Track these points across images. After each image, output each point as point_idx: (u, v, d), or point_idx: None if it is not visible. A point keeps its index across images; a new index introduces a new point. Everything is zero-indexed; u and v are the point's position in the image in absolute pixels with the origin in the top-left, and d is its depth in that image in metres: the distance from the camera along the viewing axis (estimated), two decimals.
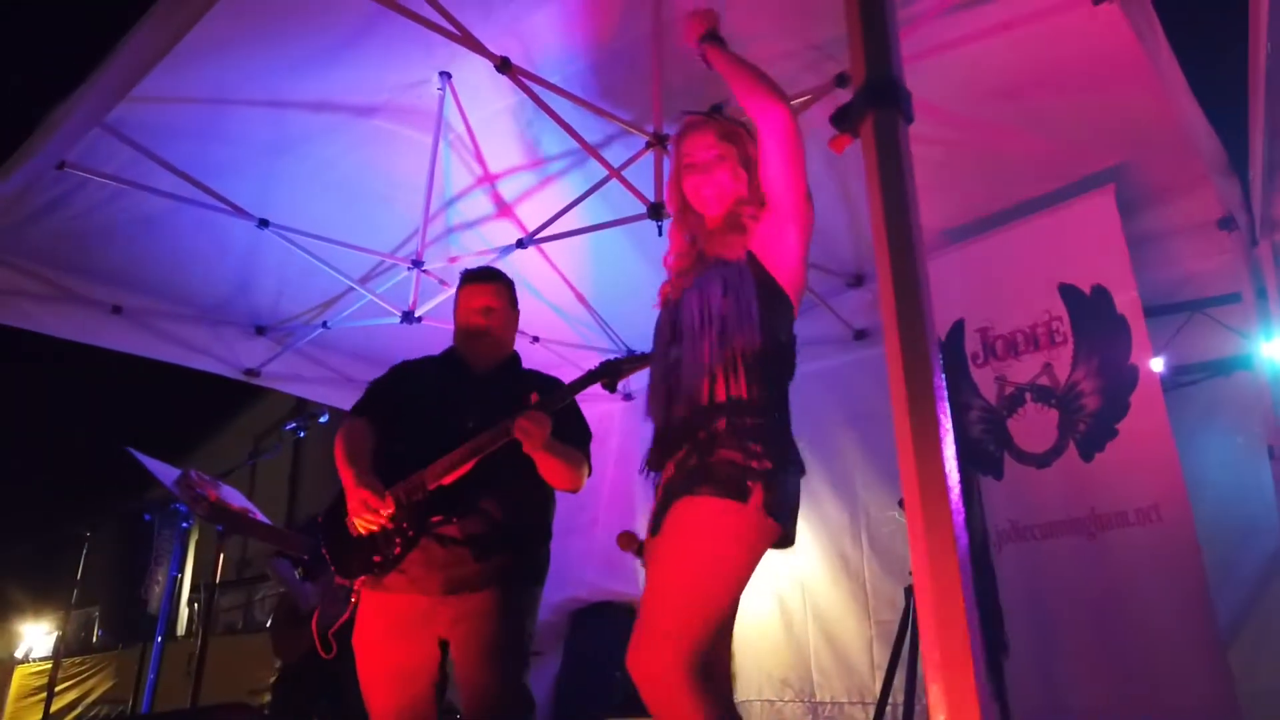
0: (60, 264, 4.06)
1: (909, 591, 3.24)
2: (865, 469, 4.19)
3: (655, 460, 1.90)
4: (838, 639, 4.27)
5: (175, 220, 3.81)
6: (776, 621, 4.52)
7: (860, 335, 4.31)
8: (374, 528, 2.35)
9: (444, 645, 2.45)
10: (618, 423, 5.30)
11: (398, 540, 2.35)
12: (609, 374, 2.33)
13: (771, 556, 4.86)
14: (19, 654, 7.82)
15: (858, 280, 4.28)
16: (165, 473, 2.70)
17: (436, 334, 3.52)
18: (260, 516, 2.98)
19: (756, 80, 1.92)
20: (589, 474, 2.63)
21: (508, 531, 2.50)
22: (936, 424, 0.84)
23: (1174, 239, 3.29)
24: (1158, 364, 2.93)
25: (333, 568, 2.40)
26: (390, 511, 2.32)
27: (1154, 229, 3.27)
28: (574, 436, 2.59)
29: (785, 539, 1.83)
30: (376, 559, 2.36)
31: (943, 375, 0.90)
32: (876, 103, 0.82)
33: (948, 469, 0.83)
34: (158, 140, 3.37)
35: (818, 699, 4.29)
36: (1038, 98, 2.97)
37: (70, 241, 3.87)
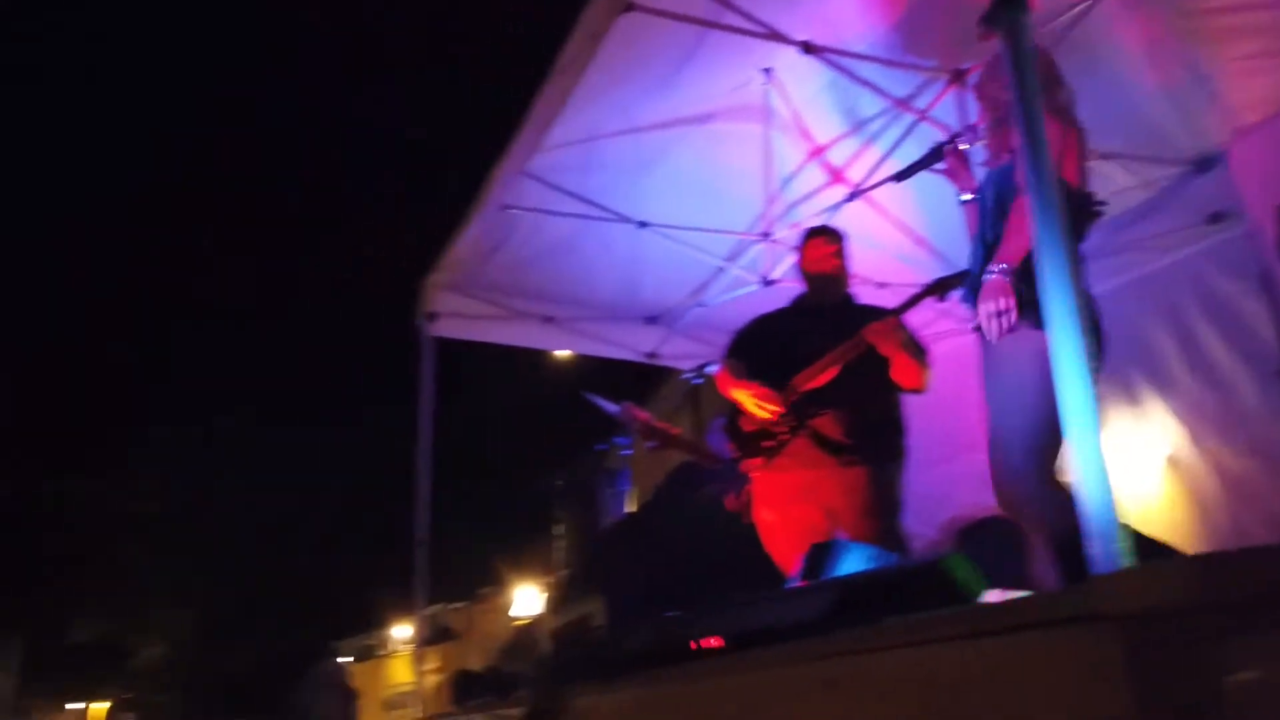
0: (504, 289, 5.33)
1: None
2: (1230, 352, 4.09)
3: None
4: None
5: (577, 240, 4.87)
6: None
7: (1216, 219, 4.20)
8: (771, 417, 3.08)
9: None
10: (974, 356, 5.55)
11: (783, 431, 3.07)
12: (939, 289, 2.84)
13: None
14: (512, 613, 9.78)
15: (1202, 164, 4.18)
16: (610, 407, 3.67)
17: (791, 293, 4.15)
18: (679, 433, 3.85)
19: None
20: (928, 381, 3.16)
21: (868, 421, 3.10)
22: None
23: None
24: None
25: (738, 454, 3.19)
26: (782, 398, 3.06)
27: None
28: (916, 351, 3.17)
29: None
30: (767, 445, 3.09)
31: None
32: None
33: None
34: (555, 177, 4.40)
35: None
36: None
37: (510, 271, 5.10)
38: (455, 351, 5.42)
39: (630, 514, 2.66)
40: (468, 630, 10.44)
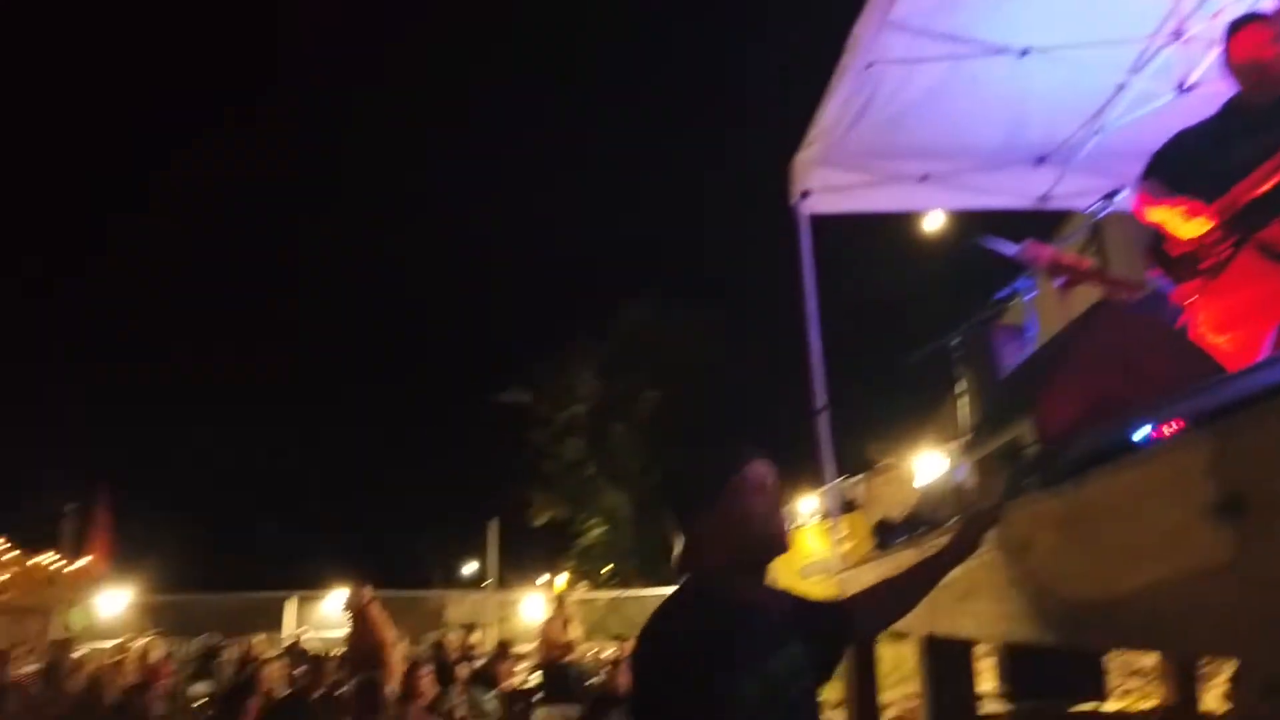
0: (875, 153, 5.21)
1: None
2: None
3: None
4: None
5: (950, 84, 4.58)
6: None
7: None
8: (1205, 233, 2.76)
9: None
10: None
11: (1223, 248, 2.72)
12: None
13: None
14: (915, 481, 9.77)
15: None
16: (1010, 248, 3.47)
17: (1210, 101, 3.58)
18: (1091, 264, 3.53)
19: None
20: None
21: None
22: None
23: None
24: None
25: (1170, 279, 2.89)
26: (1214, 217, 2.72)
27: None
28: None
29: None
30: (1204, 266, 2.76)
31: None
32: None
33: None
34: (920, 21, 4.14)
35: None
36: None
37: (880, 132, 4.96)
38: (833, 223, 5.47)
39: (1055, 338, 2.50)
40: (869, 502, 10.66)
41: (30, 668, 7.84)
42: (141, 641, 9.51)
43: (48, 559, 21.92)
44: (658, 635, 1.64)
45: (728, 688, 1.48)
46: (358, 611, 6.78)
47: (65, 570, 20.80)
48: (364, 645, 6.64)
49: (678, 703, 1.50)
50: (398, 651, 6.77)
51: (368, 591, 6.85)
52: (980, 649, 3.62)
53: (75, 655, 8.80)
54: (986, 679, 4.26)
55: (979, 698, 3.42)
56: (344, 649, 7.68)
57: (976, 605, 2.05)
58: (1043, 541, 1.70)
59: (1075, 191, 5.43)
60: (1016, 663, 4.07)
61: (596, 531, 23.29)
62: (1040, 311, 3.56)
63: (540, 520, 23.65)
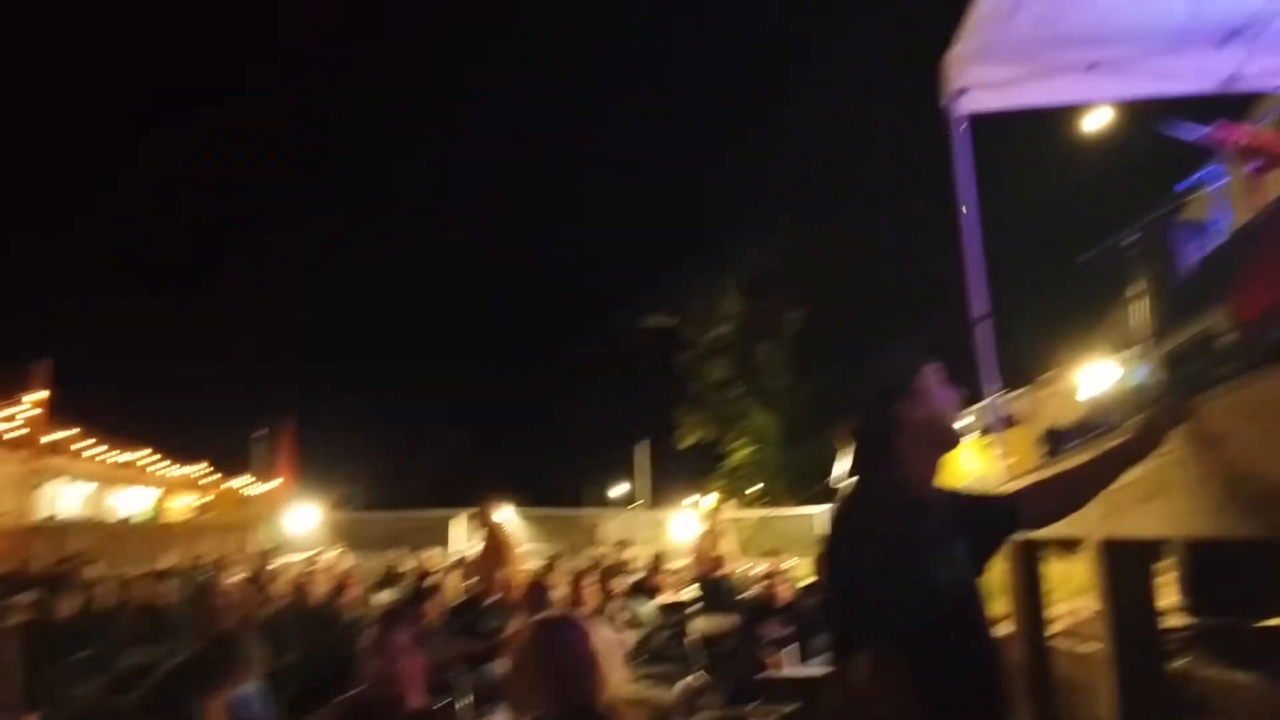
0: (1037, 43, 4.82)
1: None
2: None
3: None
4: None
5: None
6: None
7: None
8: None
9: None
10: None
11: None
12: None
13: None
14: (1080, 394, 9.30)
15: None
16: (1197, 131, 3.21)
17: None
18: None
19: None
20: None
21: None
22: None
23: None
24: None
25: None
26: None
27: None
28: None
29: None
30: None
31: None
32: None
33: None
34: None
35: None
36: None
37: (1042, 19, 4.60)
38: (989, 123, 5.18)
39: (1250, 222, 2.30)
40: (1030, 417, 10.21)
41: (238, 576, 8.73)
42: (330, 554, 10.39)
43: (242, 481, 24.22)
44: (851, 527, 1.70)
45: (919, 575, 1.52)
46: (489, 528, 7.61)
47: (257, 492, 22.92)
48: (494, 559, 7.27)
49: (872, 589, 1.55)
50: (521, 565, 7.45)
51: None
52: (1160, 565, 3.47)
53: (271, 567, 9.77)
54: (1168, 594, 4.09)
55: (1161, 612, 3.30)
56: (478, 561, 8.21)
57: (1166, 503, 1.97)
58: (1242, 430, 1.61)
59: (1267, 70, 4.93)
60: (1201, 576, 3.89)
61: (744, 451, 23.51)
62: (1233, 199, 3.28)
63: (688, 442, 24.11)
